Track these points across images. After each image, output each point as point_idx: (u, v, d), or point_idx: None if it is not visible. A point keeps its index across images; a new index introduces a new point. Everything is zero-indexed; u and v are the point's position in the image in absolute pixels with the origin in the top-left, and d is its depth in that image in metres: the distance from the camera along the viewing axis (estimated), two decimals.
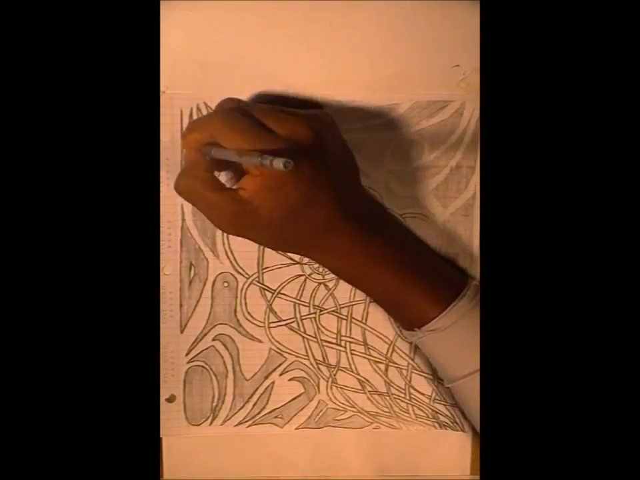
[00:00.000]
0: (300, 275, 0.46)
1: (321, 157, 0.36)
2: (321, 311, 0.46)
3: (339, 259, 0.39)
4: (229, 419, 0.47)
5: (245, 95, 0.43)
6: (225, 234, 0.45)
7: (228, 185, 0.38)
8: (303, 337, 0.46)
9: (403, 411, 0.47)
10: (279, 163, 0.32)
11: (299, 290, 0.46)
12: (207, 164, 0.37)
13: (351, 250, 0.38)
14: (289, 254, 0.45)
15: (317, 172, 0.36)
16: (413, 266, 0.38)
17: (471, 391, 0.38)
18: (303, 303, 0.46)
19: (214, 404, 0.47)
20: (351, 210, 0.38)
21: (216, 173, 0.38)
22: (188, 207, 0.44)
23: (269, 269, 0.46)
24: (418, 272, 0.38)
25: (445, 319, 0.37)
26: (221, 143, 0.36)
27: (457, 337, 0.37)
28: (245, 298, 0.46)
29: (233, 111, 0.37)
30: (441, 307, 0.37)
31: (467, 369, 0.38)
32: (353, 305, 0.46)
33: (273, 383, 0.47)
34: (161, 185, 0.43)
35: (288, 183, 0.35)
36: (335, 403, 0.47)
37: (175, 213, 0.44)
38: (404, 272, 0.38)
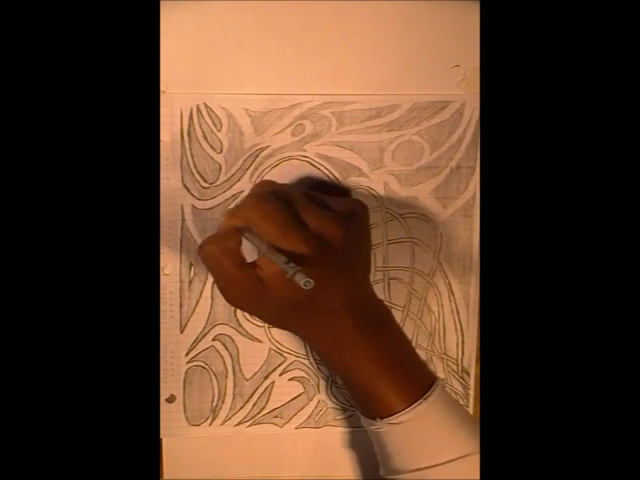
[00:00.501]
0: None
1: (342, 253, 0.37)
2: None
3: (330, 345, 0.40)
4: (228, 419, 0.47)
5: (245, 95, 0.43)
6: None
7: (247, 257, 0.39)
8: None
9: None
10: (300, 280, 0.33)
11: None
12: (237, 237, 0.38)
13: (344, 340, 0.39)
14: None
15: (335, 268, 0.37)
16: (394, 361, 0.39)
17: None
18: None
19: (214, 404, 0.47)
20: (356, 302, 0.39)
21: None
22: (188, 206, 0.44)
23: None
24: (397, 367, 0.39)
25: (408, 414, 0.38)
26: (254, 229, 0.37)
27: (414, 432, 0.38)
28: None
29: (268, 198, 0.37)
30: (408, 402, 0.38)
31: (412, 465, 0.39)
32: None
33: (273, 382, 0.47)
34: (161, 184, 0.44)
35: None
36: (335, 403, 0.47)
37: (175, 213, 0.44)
38: (385, 366, 0.39)
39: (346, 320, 0.38)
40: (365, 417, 0.41)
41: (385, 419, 0.39)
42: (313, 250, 0.36)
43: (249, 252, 0.39)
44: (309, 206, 0.38)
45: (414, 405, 0.38)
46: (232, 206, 0.41)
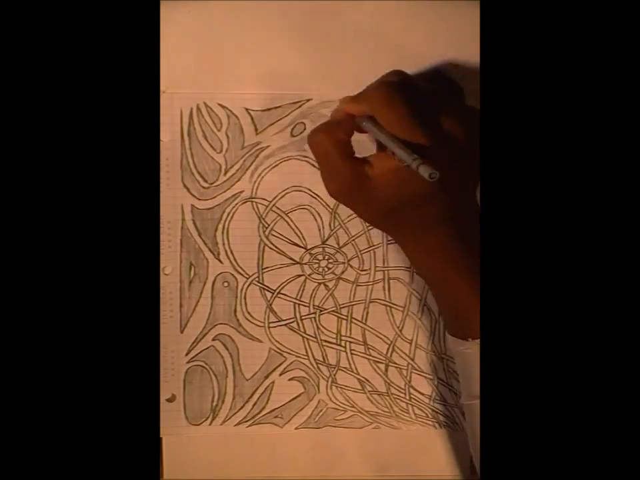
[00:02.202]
0: (300, 275, 0.46)
1: (462, 153, 0.36)
2: (320, 310, 0.46)
3: (428, 256, 0.39)
4: (228, 419, 0.47)
5: (245, 94, 0.43)
6: (225, 233, 0.45)
7: (357, 153, 0.38)
8: (303, 336, 0.46)
9: (403, 411, 0.47)
10: (425, 171, 0.32)
11: (299, 290, 0.46)
12: (350, 128, 0.37)
13: (444, 252, 0.38)
14: (288, 254, 0.45)
15: (450, 175, 0.35)
16: None
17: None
18: (302, 302, 0.46)
19: (214, 404, 0.46)
20: (461, 212, 0.38)
21: (353, 138, 0.38)
22: (188, 206, 0.44)
23: (268, 269, 0.46)
24: None
25: None
26: (376, 118, 0.36)
27: None
28: (244, 298, 0.46)
29: (399, 89, 0.36)
30: None
31: None
32: (353, 305, 0.46)
33: (273, 382, 0.47)
34: (161, 184, 0.44)
35: (416, 180, 0.34)
36: (335, 403, 0.47)
37: (175, 213, 0.44)
38: (477, 283, 0.37)
39: (447, 233, 0.37)
40: (453, 337, 0.40)
41: (477, 339, 0.37)
42: (436, 145, 0.35)
43: (361, 147, 0.38)
44: (438, 104, 0.36)
45: None
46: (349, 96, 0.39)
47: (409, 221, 0.38)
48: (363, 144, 0.40)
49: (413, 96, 0.36)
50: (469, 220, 0.38)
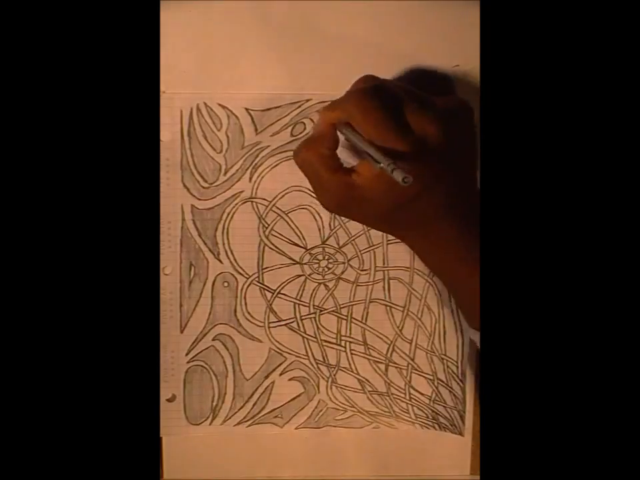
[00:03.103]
0: (300, 275, 0.46)
1: (444, 152, 0.36)
2: (320, 310, 0.46)
3: (435, 250, 0.39)
4: (228, 419, 0.47)
5: (245, 94, 0.43)
6: (225, 233, 0.45)
7: (345, 163, 0.38)
8: (303, 336, 0.46)
9: (403, 411, 0.47)
10: (398, 176, 0.32)
11: (299, 290, 0.46)
12: (332, 141, 0.37)
13: (448, 244, 0.38)
14: (288, 254, 0.45)
15: (436, 172, 0.36)
16: None
17: None
18: (302, 302, 0.46)
19: (214, 404, 0.47)
20: (460, 207, 0.38)
21: (339, 150, 0.38)
22: (188, 206, 0.44)
23: (268, 269, 0.46)
24: None
25: None
26: (354, 125, 0.36)
27: None
28: (244, 298, 0.46)
29: (372, 94, 0.36)
30: None
31: None
32: (352, 304, 0.46)
33: (273, 382, 0.47)
34: (161, 184, 0.44)
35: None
36: (335, 403, 0.47)
37: (175, 213, 0.44)
38: None
39: (450, 225, 0.37)
40: (473, 329, 0.40)
41: None
42: (413, 148, 0.35)
43: (345, 156, 0.39)
44: (410, 104, 0.37)
45: None
46: (327, 104, 0.40)
47: (409, 219, 0.38)
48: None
49: (387, 100, 0.36)
50: (470, 214, 0.38)
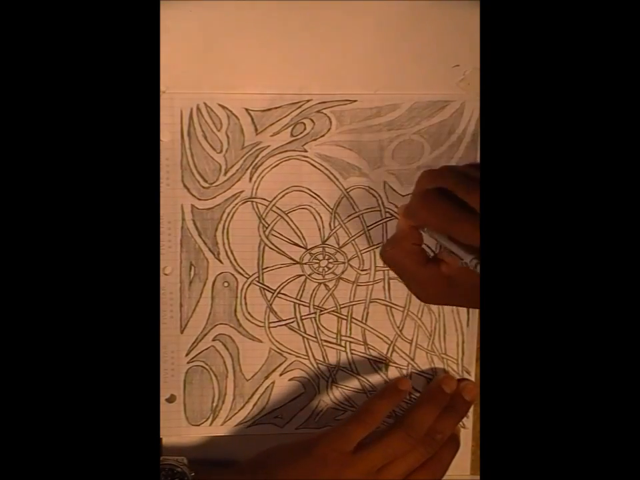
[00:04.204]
0: (300, 275, 0.46)
1: None
2: (321, 310, 0.46)
3: None
4: (229, 419, 0.47)
5: (245, 94, 0.43)
6: (225, 233, 0.45)
7: (433, 253, 0.40)
8: (303, 336, 0.46)
9: (403, 411, 0.47)
10: (475, 266, 0.34)
11: (299, 290, 0.46)
12: (416, 238, 0.39)
13: None
14: (288, 254, 0.45)
15: None
16: None
17: None
18: (303, 302, 0.46)
19: (214, 404, 0.46)
20: None
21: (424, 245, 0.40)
22: (188, 206, 0.44)
23: (268, 269, 0.46)
24: None
25: None
26: (430, 227, 0.38)
27: None
28: (245, 298, 0.46)
29: (433, 195, 0.37)
30: None
31: None
32: (352, 304, 0.46)
33: (273, 383, 0.47)
34: (161, 184, 0.44)
35: None
36: (335, 403, 0.47)
37: (175, 213, 0.44)
38: None
39: None
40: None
41: None
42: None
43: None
44: (469, 189, 0.37)
45: None
46: (403, 205, 0.41)
47: None
48: None
49: (453, 197, 0.37)
50: None
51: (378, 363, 0.47)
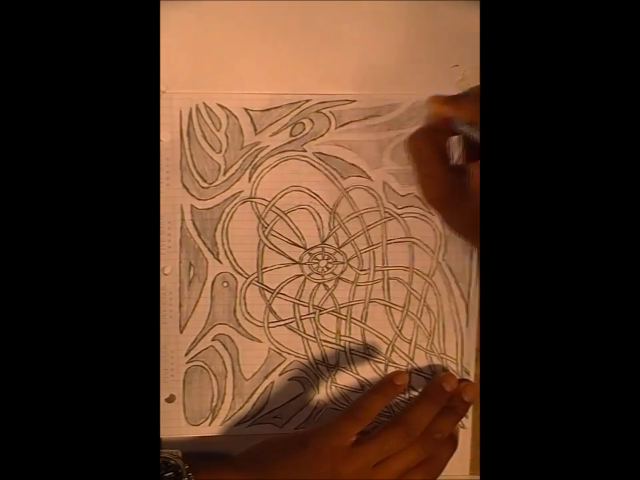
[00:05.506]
0: (299, 275, 0.46)
1: None
2: (320, 310, 0.46)
3: None
4: (228, 419, 0.47)
5: (244, 94, 0.43)
6: (224, 233, 0.45)
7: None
8: (303, 336, 0.46)
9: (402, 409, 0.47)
10: None
11: (298, 290, 0.46)
12: (449, 134, 0.37)
13: None
14: (287, 254, 0.45)
15: None
16: None
17: None
18: (302, 302, 0.46)
19: (213, 404, 0.46)
20: None
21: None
22: (187, 206, 0.44)
23: (268, 269, 0.46)
24: None
25: None
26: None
27: None
28: (244, 298, 0.46)
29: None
30: None
31: None
32: (352, 304, 0.46)
33: (273, 382, 0.47)
34: (161, 184, 0.43)
35: None
36: (335, 403, 0.47)
37: (175, 213, 0.44)
38: None
39: None
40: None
41: None
42: None
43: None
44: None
45: None
46: (440, 95, 0.38)
47: None
48: None
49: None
50: None
51: (377, 363, 0.47)
